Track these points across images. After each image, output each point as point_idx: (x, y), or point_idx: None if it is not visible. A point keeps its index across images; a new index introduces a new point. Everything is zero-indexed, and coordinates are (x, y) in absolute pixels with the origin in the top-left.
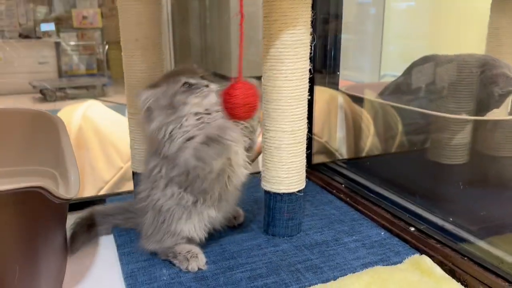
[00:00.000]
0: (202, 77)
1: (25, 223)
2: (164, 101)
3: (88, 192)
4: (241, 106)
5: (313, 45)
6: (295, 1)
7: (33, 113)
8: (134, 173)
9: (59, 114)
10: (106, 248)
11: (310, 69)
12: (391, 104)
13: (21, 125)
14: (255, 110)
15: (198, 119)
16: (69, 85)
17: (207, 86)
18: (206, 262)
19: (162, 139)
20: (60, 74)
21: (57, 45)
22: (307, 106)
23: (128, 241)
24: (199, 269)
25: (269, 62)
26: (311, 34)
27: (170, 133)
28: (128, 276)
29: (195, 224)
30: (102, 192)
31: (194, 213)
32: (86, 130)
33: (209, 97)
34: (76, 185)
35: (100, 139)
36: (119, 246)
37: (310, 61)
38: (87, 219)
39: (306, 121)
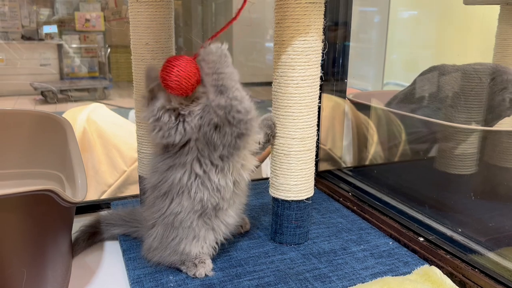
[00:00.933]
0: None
1: (34, 227)
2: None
3: (91, 195)
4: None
5: (324, 52)
6: (308, 8)
7: (40, 115)
8: (140, 177)
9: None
10: (112, 253)
11: (321, 76)
12: (398, 112)
13: (28, 127)
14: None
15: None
16: (71, 87)
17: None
18: (213, 269)
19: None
20: (62, 76)
21: (59, 47)
22: (317, 113)
23: (134, 246)
24: (206, 275)
25: (280, 69)
26: (322, 41)
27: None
28: (134, 282)
29: (207, 243)
30: (105, 196)
31: (215, 227)
32: (90, 133)
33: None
34: (84, 189)
35: (104, 142)
36: (124, 251)
37: (321, 68)
38: (91, 226)
39: (316, 128)
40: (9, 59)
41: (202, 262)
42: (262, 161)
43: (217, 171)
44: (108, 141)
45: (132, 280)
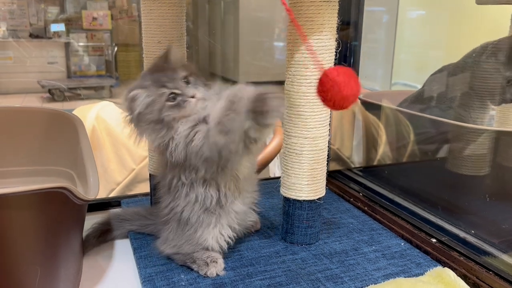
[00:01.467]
0: (186, 79)
1: (47, 224)
2: (152, 116)
3: (100, 193)
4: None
5: (338, 51)
6: (323, 6)
7: (51, 113)
8: (151, 175)
9: None
10: (122, 252)
11: None
12: (409, 112)
13: (39, 124)
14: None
15: (192, 126)
16: (78, 86)
17: (193, 97)
18: (224, 268)
19: (163, 152)
20: (69, 74)
21: (67, 45)
22: (329, 112)
23: (145, 244)
24: (217, 274)
25: (293, 68)
26: (336, 40)
27: (166, 145)
28: (146, 280)
29: (220, 232)
30: (113, 194)
31: (223, 216)
32: (100, 131)
33: (196, 107)
34: (96, 186)
35: (113, 141)
36: (135, 250)
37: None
38: (104, 224)
39: (328, 127)
40: (17, 57)
41: (214, 262)
42: (268, 161)
43: (204, 184)
44: (117, 139)
45: (144, 278)
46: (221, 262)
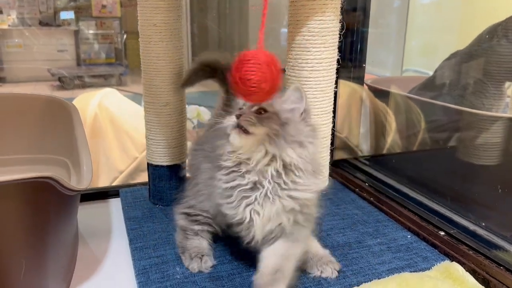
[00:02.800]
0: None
1: (33, 215)
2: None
3: (103, 182)
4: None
5: (342, 33)
6: None
7: (46, 99)
8: (149, 165)
9: (75, 102)
10: (118, 242)
11: (338, 59)
12: (419, 99)
13: (33, 111)
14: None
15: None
16: (87, 74)
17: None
18: (214, 265)
19: None
20: (79, 62)
21: (76, 33)
22: (333, 99)
23: (141, 235)
24: (199, 271)
25: (294, 51)
26: (340, 22)
27: None
28: (140, 273)
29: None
30: (116, 182)
31: None
32: (102, 118)
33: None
34: (89, 176)
35: (115, 128)
36: (131, 241)
37: (339, 51)
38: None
39: (331, 115)
40: (27, 45)
41: (198, 257)
42: None
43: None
44: (120, 127)
45: (138, 271)
46: (207, 259)
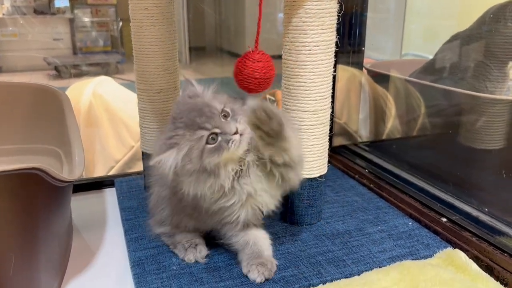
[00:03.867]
0: (223, 112)
1: (22, 208)
2: (192, 166)
3: (99, 171)
4: (255, 79)
5: (340, 14)
6: None
7: (36, 88)
8: (143, 153)
9: (68, 91)
10: (113, 234)
11: (336, 42)
12: (419, 82)
13: (24, 100)
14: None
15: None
16: (84, 62)
17: (235, 132)
18: (208, 254)
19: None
20: (75, 51)
21: (72, 21)
22: (332, 83)
23: (136, 226)
24: (196, 261)
25: (290, 34)
26: (338, 3)
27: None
28: (135, 264)
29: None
30: (113, 172)
31: None
32: (97, 107)
33: (242, 143)
34: (80, 166)
35: (111, 117)
36: (126, 232)
37: (337, 34)
38: None
39: (330, 100)
40: (22, 33)
41: (192, 247)
42: None
43: None
44: (115, 115)
45: (133, 262)
46: (202, 248)
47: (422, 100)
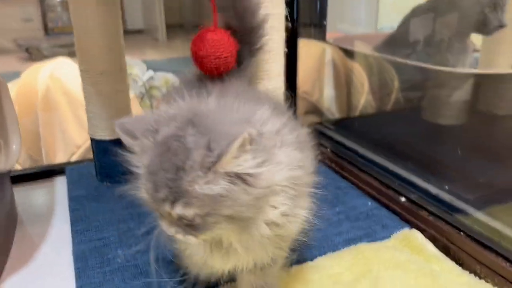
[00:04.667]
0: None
1: None
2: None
3: (60, 158)
4: (212, 59)
5: None
6: None
7: None
8: (92, 139)
9: (24, 75)
10: (59, 225)
11: (286, 16)
12: (385, 57)
13: None
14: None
15: None
16: (57, 43)
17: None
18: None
19: None
20: (47, 31)
21: (42, 1)
22: (283, 60)
23: (83, 216)
24: None
25: None
26: None
27: None
28: (78, 258)
29: None
30: (74, 158)
31: None
32: (55, 91)
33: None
34: (15, 156)
35: (70, 101)
36: (72, 223)
37: (287, 6)
38: None
39: (283, 78)
40: None
41: None
42: None
43: None
44: (75, 99)
45: (76, 256)
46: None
47: (395, 74)
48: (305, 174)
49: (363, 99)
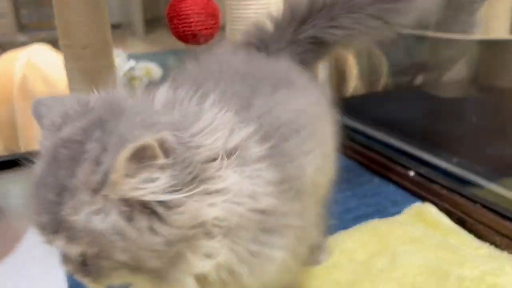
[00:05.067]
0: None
1: None
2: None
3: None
4: (194, 23)
5: None
6: None
7: None
8: None
9: None
10: None
11: None
12: None
13: None
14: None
15: None
16: (32, 40)
17: None
18: None
19: None
20: (20, 28)
21: None
22: None
23: None
24: None
25: None
26: None
27: None
28: None
29: None
30: None
31: None
32: (32, 79)
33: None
34: None
35: (50, 89)
36: None
37: None
38: None
39: None
40: None
41: None
42: None
43: None
44: (55, 87)
45: None
46: None
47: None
48: (285, 200)
49: (354, 78)
